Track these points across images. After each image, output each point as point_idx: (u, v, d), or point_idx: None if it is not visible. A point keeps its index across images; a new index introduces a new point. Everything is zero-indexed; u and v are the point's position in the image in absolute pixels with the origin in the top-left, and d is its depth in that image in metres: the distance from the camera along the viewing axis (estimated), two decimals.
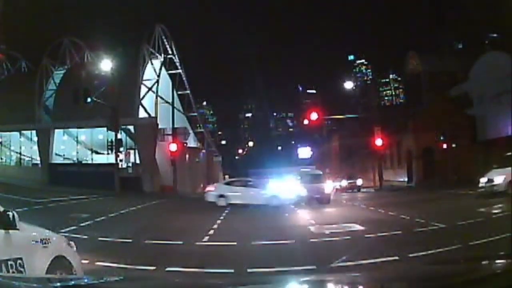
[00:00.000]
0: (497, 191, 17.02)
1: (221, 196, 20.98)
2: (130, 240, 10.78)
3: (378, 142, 29.52)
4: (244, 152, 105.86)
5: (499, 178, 17.51)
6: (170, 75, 44.16)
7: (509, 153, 18.64)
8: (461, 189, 22.63)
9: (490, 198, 16.45)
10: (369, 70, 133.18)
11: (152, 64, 41.01)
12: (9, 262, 3.87)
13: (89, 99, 26.80)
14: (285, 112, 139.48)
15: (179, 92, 44.96)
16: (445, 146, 31.67)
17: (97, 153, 38.28)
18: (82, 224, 13.03)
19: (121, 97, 30.51)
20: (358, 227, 12.24)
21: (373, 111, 33.92)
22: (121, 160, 31.68)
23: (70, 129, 39.00)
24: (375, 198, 26.71)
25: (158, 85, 39.49)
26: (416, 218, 13.14)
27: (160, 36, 42.17)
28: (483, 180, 18.43)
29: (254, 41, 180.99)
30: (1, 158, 42.67)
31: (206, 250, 9.89)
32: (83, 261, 5.48)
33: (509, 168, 17.57)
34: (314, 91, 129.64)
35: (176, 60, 44.82)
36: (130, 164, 36.57)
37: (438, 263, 3.65)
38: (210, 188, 22.73)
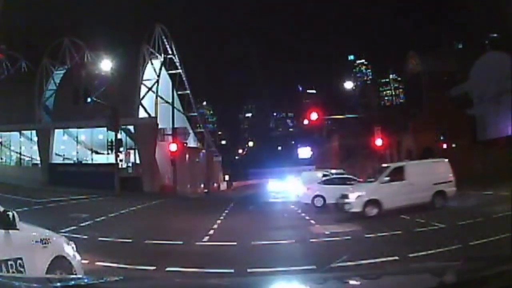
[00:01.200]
0: (350, 211, 14.68)
1: (318, 196, 19.48)
2: (130, 240, 10.78)
3: (378, 142, 29.42)
4: (244, 152, 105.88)
5: (353, 195, 14.91)
6: (170, 75, 44.20)
7: (386, 165, 16.67)
8: (461, 189, 22.58)
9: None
10: (369, 70, 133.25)
11: (152, 64, 41.04)
12: (9, 262, 3.86)
13: (89, 99, 26.78)
14: (285, 112, 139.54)
15: (179, 92, 45.00)
16: (445, 146, 31.63)
17: (97, 153, 38.28)
18: (82, 224, 13.03)
19: (121, 97, 30.52)
20: (358, 227, 12.24)
21: (373, 111, 33.86)
22: (121, 160, 31.67)
23: (70, 129, 39.00)
24: None
25: (158, 85, 39.51)
26: (416, 218, 13.14)
27: (160, 36, 42.20)
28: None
29: (254, 41, 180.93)
30: (1, 158, 42.67)
31: (206, 250, 9.90)
32: (83, 261, 5.48)
33: (372, 184, 15.42)
34: (314, 91, 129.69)
35: (176, 60, 44.84)
36: (130, 164, 36.57)
37: (438, 263, 3.65)
38: (304, 188, 20.79)
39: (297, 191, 23.88)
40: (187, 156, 41.44)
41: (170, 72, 44.29)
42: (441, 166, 16.02)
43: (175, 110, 37.02)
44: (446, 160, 16.37)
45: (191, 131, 46.24)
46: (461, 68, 38.59)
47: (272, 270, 6.98)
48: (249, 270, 7.14)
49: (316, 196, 19.54)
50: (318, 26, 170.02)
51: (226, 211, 18.55)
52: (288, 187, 30.31)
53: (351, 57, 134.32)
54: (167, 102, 39.01)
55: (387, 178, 15.10)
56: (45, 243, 4.50)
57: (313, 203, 19.48)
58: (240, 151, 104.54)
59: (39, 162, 39.04)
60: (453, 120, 31.41)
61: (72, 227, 11.96)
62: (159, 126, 37.61)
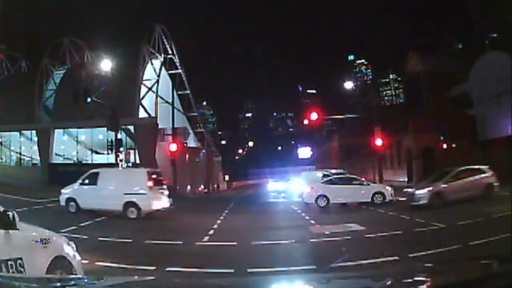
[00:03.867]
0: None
1: (322, 196, 19.24)
2: (130, 240, 10.78)
3: (378, 142, 29.43)
4: (244, 152, 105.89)
5: (63, 191, 16.70)
6: (170, 75, 44.17)
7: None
8: None
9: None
10: (369, 70, 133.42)
11: (152, 64, 41.02)
12: (9, 262, 3.86)
13: (89, 99, 26.70)
14: (285, 112, 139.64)
15: (179, 92, 44.97)
16: (445, 146, 31.64)
17: (97, 153, 38.25)
18: (82, 224, 13.03)
19: (121, 97, 30.48)
20: (358, 227, 12.24)
21: (373, 111, 33.82)
22: (121, 160, 31.58)
23: (70, 129, 38.97)
24: None
25: (158, 85, 39.49)
26: (416, 218, 13.15)
27: (160, 36, 42.18)
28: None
29: (254, 41, 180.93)
30: (1, 158, 42.66)
31: (206, 250, 9.90)
32: (83, 261, 5.48)
33: (75, 184, 16.71)
34: (314, 91, 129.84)
35: (176, 60, 44.82)
36: (130, 164, 36.49)
37: (438, 263, 3.65)
38: (308, 188, 20.46)
39: (299, 191, 23.78)
40: (187, 156, 41.41)
41: (170, 72, 44.26)
42: (136, 176, 16.29)
43: (175, 110, 36.98)
44: (145, 169, 16.77)
45: (191, 131, 46.19)
46: (461, 68, 38.56)
47: (272, 270, 6.98)
48: (249, 270, 7.13)
49: (320, 196, 19.29)
50: (318, 26, 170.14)
51: (226, 211, 18.54)
52: (289, 187, 30.28)
53: (351, 57, 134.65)
54: (167, 102, 38.98)
55: (82, 181, 16.68)
56: (45, 243, 4.50)
57: (316, 203, 19.27)
58: (240, 151, 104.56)
59: (39, 162, 39.02)
60: (453, 120, 31.40)
61: (72, 227, 11.96)
62: (159, 126, 37.58)
